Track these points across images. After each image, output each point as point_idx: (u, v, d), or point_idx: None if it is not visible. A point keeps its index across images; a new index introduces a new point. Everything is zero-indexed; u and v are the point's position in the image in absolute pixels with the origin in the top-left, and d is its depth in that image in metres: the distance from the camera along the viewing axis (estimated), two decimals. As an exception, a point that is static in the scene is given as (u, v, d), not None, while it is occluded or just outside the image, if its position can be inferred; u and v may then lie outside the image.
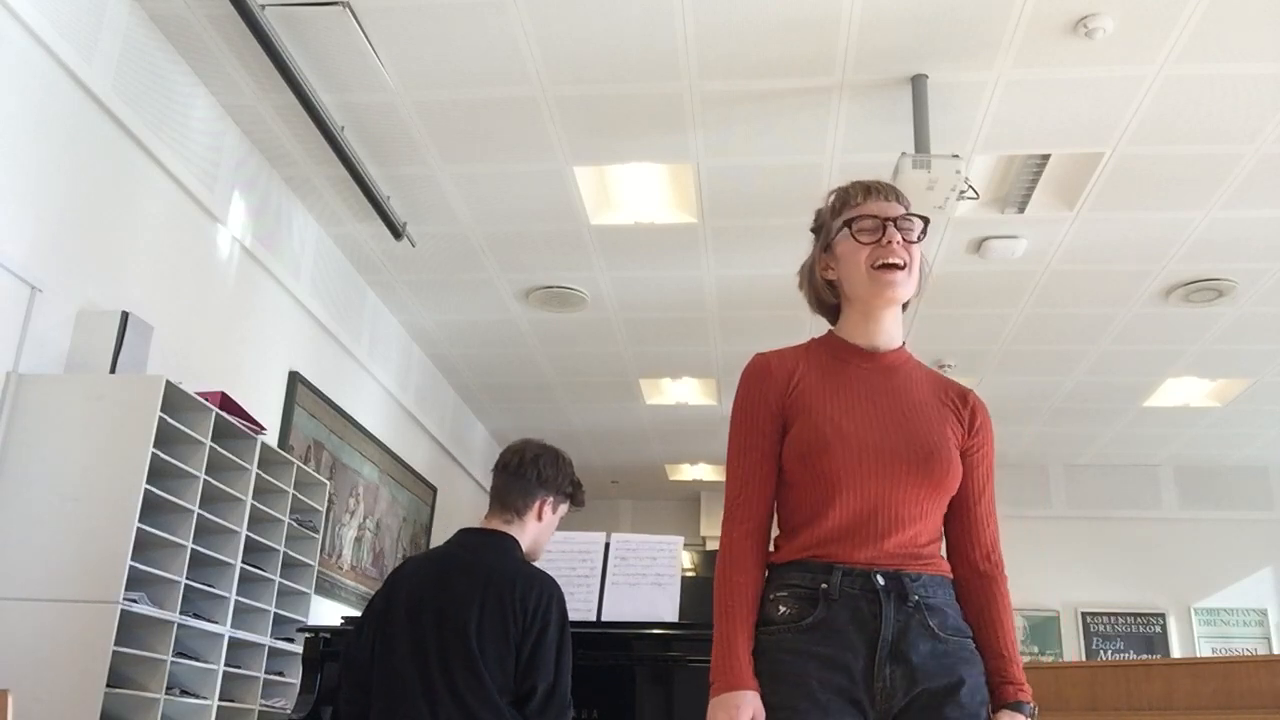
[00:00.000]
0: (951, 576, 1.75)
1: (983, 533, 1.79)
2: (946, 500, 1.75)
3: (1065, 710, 4.23)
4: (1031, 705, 1.68)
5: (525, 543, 2.58)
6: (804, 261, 1.94)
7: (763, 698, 1.63)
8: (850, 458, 1.69)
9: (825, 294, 1.87)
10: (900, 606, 1.64)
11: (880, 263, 1.77)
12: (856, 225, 1.80)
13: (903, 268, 1.77)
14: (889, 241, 1.77)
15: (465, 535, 2.58)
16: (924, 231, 1.81)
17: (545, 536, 2.66)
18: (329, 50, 4.28)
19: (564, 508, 2.68)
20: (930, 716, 1.61)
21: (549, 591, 2.41)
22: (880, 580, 1.65)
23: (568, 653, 2.40)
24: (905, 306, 1.86)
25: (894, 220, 1.78)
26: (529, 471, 2.59)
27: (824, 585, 1.66)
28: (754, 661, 1.66)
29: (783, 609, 1.68)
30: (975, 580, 1.76)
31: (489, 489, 2.67)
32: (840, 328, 1.86)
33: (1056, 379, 7.65)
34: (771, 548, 1.78)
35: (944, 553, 1.78)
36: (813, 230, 1.92)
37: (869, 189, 1.84)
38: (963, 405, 1.82)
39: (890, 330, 1.82)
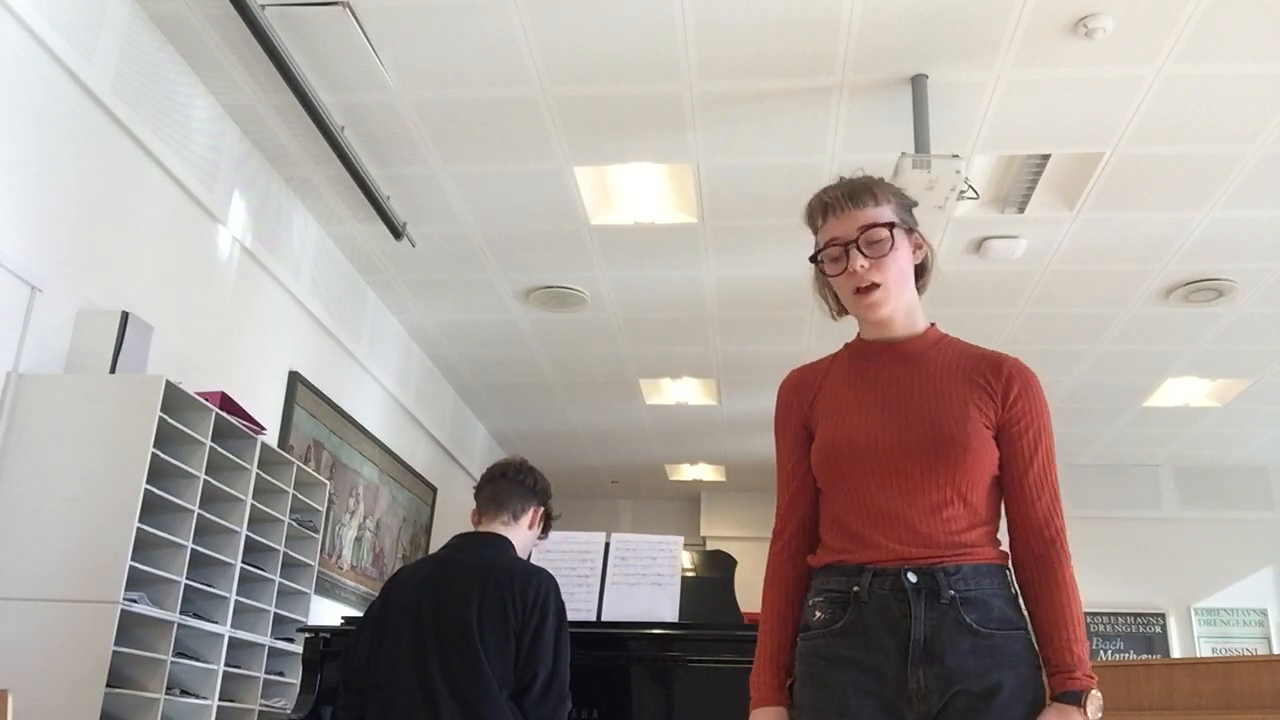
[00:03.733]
0: (1002, 563, 1.66)
1: (1032, 507, 1.68)
2: (982, 481, 1.67)
3: (1065, 710, 4.22)
4: (1084, 692, 1.55)
5: (516, 548, 2.65)
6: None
7: (799, 702, 1.65)
8: (862, 458, 1.67)
9: (832, 302, 1.85)
10: (933, 604, 1.59)
11: (856, 288, 1.73)
12: (822, 256, 1.76)
13: (879, 285, 1.71)
14: (853, 270, 1.71)
15: (461, 539, 2.65)
16: (892, 236, 1.72)
17: (529, 548, 2.76)
18: (329, 50, 4.28)
19: (540, 527, 2.79)
20: None
21: (546, 584, 2.50)
22: (911, 578, 1.61)
23: (566, 643, 2.47)
24: (920, 288, 1.81)
25: (855, 242, 1.71)
26: (526, 478, 2.72)
27: (855, 588, 1.63)
28: (796, 665, 1.68)
29: (818, 614, 1.67)
30: (1029, 561, 1.66)
31: (479, 498, 2.73)
32: (860, 326, 1.85)
33: (1056, 379, 7.64)
34: (812, 552, 1.78)
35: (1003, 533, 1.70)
36: None
37: (826, 207, 1.76)
38: (995, 379, 1.72)
39: (901, 321, 1.77)
